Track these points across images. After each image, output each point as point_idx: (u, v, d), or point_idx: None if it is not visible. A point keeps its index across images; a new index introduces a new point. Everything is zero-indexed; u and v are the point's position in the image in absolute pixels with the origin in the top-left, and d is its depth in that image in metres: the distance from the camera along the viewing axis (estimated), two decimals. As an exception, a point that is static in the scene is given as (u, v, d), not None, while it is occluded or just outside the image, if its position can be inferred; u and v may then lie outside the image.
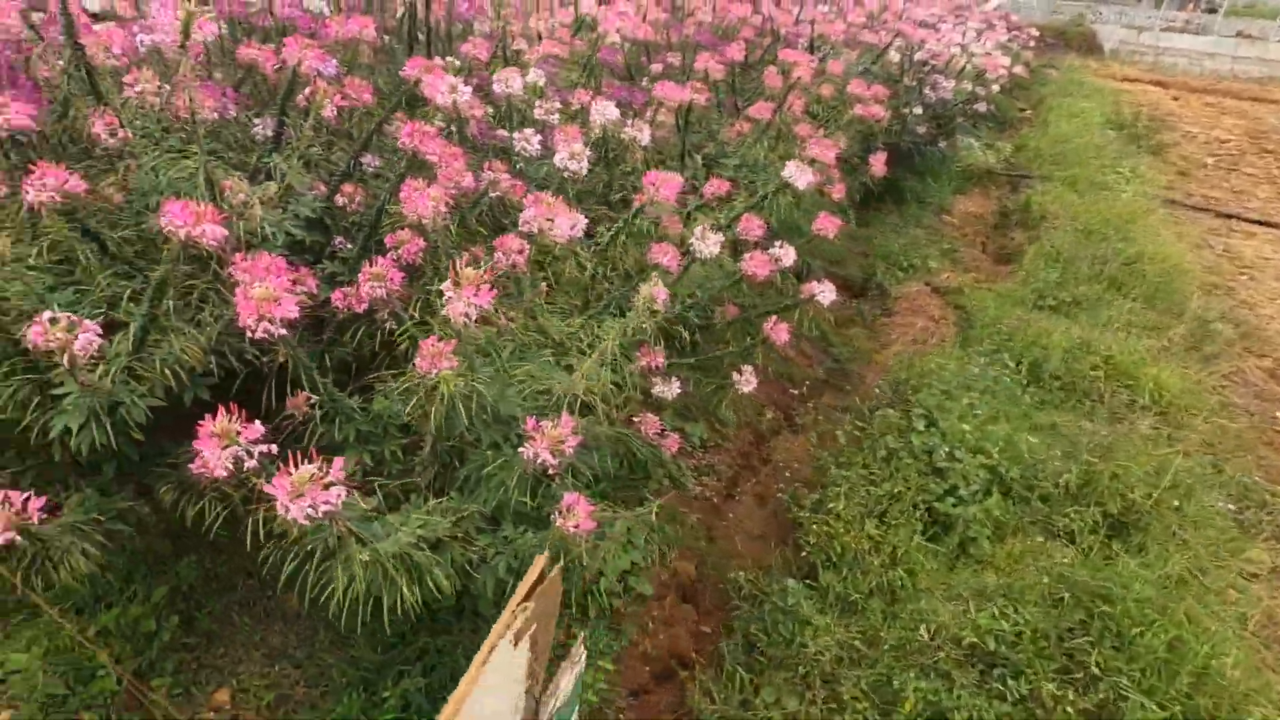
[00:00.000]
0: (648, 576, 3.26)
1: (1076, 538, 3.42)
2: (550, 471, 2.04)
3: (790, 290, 3.83)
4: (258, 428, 1.57)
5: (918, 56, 8.47)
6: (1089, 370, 4.86)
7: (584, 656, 1.96)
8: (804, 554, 3.53)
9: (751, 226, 3.47)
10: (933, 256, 7.52)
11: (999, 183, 10.19)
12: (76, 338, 1.68)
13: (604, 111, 3.49)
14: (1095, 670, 2.68)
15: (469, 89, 3.31)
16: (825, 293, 3.60)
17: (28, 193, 1.89)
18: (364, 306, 2.17)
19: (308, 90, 2.56)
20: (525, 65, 3.82)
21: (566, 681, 1.90)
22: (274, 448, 1.58)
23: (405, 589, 1.89)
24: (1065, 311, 6.03)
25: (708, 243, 3.16)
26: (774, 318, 3.38)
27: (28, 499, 1.68)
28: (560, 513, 1.95)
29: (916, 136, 8.13)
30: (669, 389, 3.19)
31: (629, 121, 3.65)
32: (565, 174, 2.92)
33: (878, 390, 4.85)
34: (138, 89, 2.34)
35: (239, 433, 1.55)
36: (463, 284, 1.93)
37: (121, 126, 2.26)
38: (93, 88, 2.37)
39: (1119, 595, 2.86)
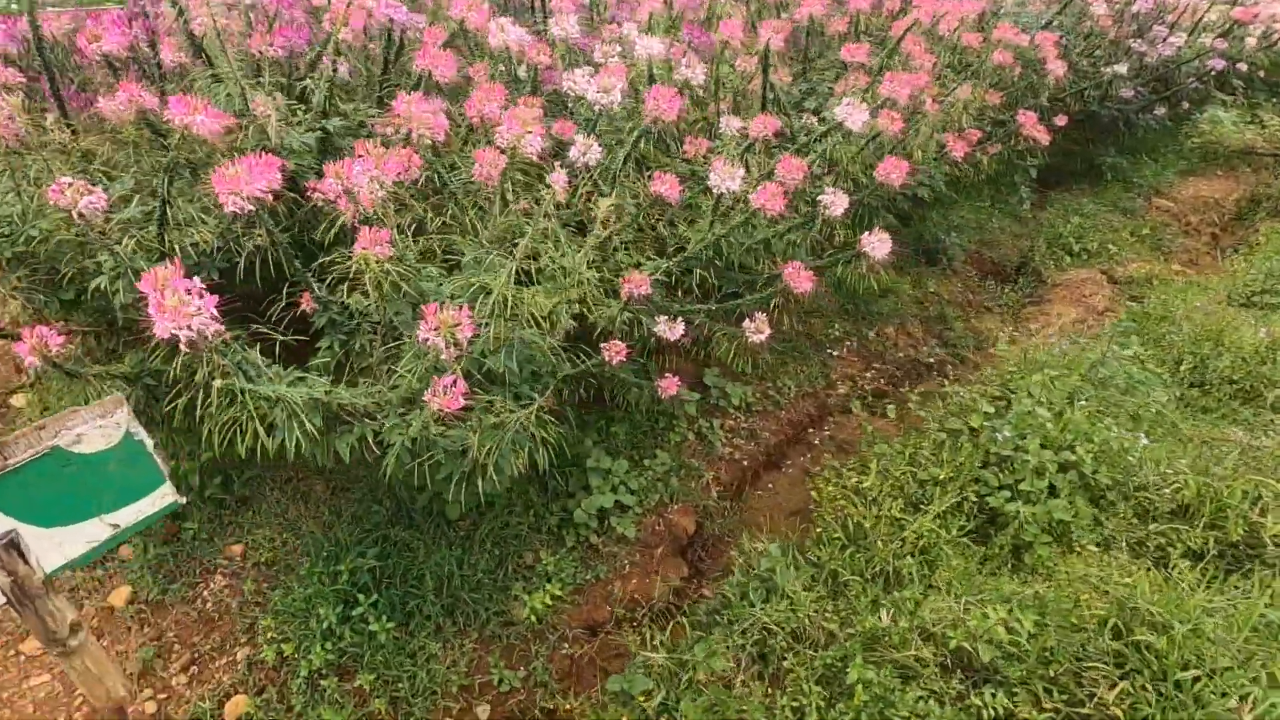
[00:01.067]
0: (633, 521, 3.17)
1: (1171, 561, 2.69)
2: (444, 359, 2.08)
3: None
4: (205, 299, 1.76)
5: (1139, 7, 7.09)
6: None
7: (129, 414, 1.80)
8: (819, 530, 3.19)
9: (790, 168, 3.19)
10: (1123, 243, 6.28)
11: (1260, 164, 8.20)
12: (80, 198, 2.07)
13: (648, 47, 3.45)
14: (1113, 708, 2.10)
15: (520, 30, 3.47)
16: (878, 245, 3.22)
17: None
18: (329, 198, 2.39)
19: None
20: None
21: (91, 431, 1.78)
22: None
23: (301, 438, 2.05)
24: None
25: (726, 178, 2.99)
26: (798, 264, 3.09)
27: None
28: (434, 391, 1.99)
29: (1122, 103, 6.80)
30: (672, 330, 3.06)
31: (684, 61, 3.56)
32: (597, 109, 2.95)
33: (981, 378, 4.19)
34: (198, 22, 2.78)
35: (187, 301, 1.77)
36: (370, 155, 2.07)
37: (182, 53, 2.71)
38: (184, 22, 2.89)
39: (1179, 630, 2.20)
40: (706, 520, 3.38)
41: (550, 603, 2.79)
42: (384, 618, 2.57)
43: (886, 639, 2.47)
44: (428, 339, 2.03)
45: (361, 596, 2.62)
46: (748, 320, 3.13)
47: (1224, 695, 2.07)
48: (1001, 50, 4.63)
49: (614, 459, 3.33)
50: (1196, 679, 2.09)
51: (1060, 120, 6.14)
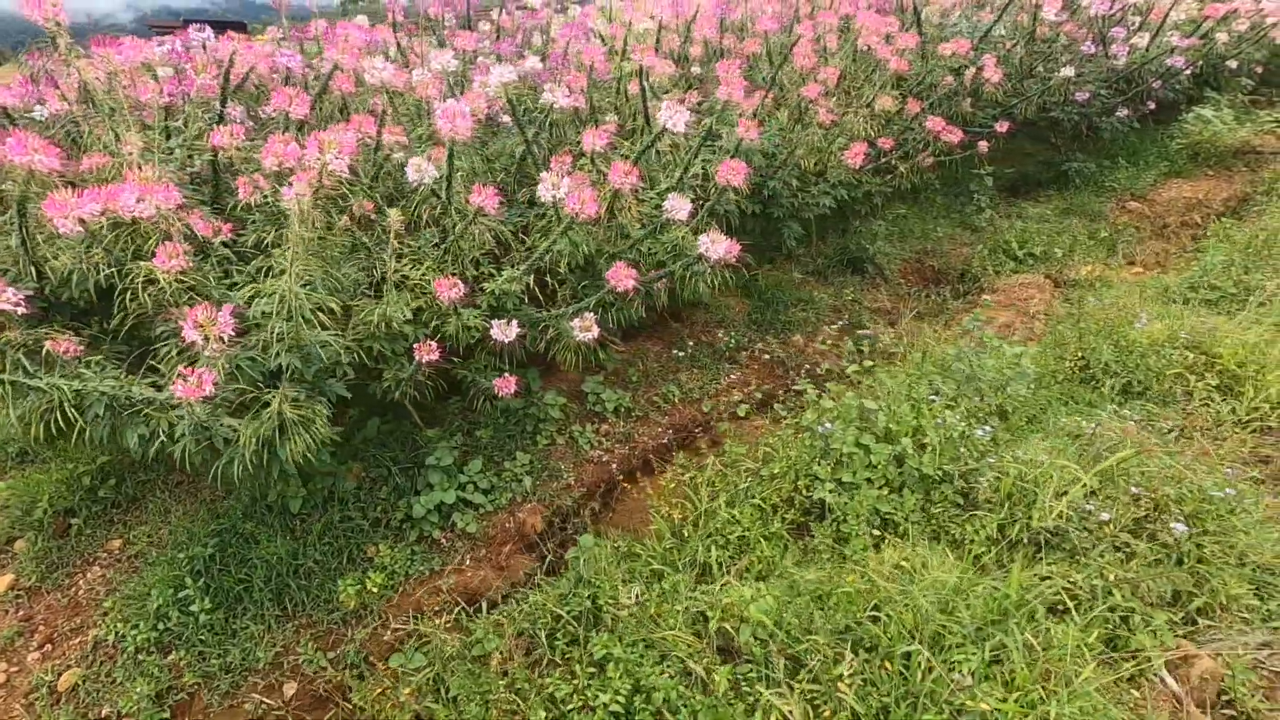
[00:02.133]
0: (477, 518, 3.30)
1: (969, 549, 2.64)
2: (207, 354, 2.32)
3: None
4: None
5: (1096, 10, 6.98)
6: (1175, 367, 3.60)
7: None
8: (652, 525, 3.24)
9: (619, 174, 3.35)
10: (1081, 248, 6.10)
11: (1258, 163, 7.80)
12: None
13: (501, 75, 3.71)
14: (843, 682, 2.09)
15: (391, 68, 3.80)
16: (714, 247, 3.33)
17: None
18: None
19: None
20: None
21: None
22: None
23: (101, 427, 2.31)
24: (1223, 306, 4.50)
25: (551, 189, 3.19)
26: (620, 264, 3.22)
27: None
28: (178, 382, 2.22)
29: (1080, 106, 6.65)
30: (506, 332, 3.22)
31: (547, 86, 3.81)
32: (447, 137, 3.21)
33: (869, 381, 4.16)
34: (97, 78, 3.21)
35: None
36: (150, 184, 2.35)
37: (64, 101, 3.13)
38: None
39: (912, 611, 2.18)
40: (560, 519, 3.48)
41: (376, 591, 2.95)
42: (206, 600, 2.78)
43: (660, 623, 2.51)
44: (191, 337, 2.28)
45: (190, 581, 2.85)
46: (577, 320, 3.28)
47: (950, 668, 2.04)
48: (898, 59, 4.68)
49: (469, 458, 3.49)
50: (909, 654, 2.07)
51: (1002, 126, 6.10)
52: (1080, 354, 3.86)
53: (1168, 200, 7.15)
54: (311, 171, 2.76)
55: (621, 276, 3.19)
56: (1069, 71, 6.32)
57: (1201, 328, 3.84)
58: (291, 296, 2.52)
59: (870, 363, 4.35)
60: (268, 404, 2.53)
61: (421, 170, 3.23)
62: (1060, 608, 2.34)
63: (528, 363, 3.98)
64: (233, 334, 2.31)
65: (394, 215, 2.79)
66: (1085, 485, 2.60)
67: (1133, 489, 2.53)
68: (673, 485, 3.43)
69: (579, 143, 3.88)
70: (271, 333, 2.51)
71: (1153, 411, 3.45)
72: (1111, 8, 7.26)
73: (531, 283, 3.61)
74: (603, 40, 5.81)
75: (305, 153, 2.78)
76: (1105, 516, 2.46)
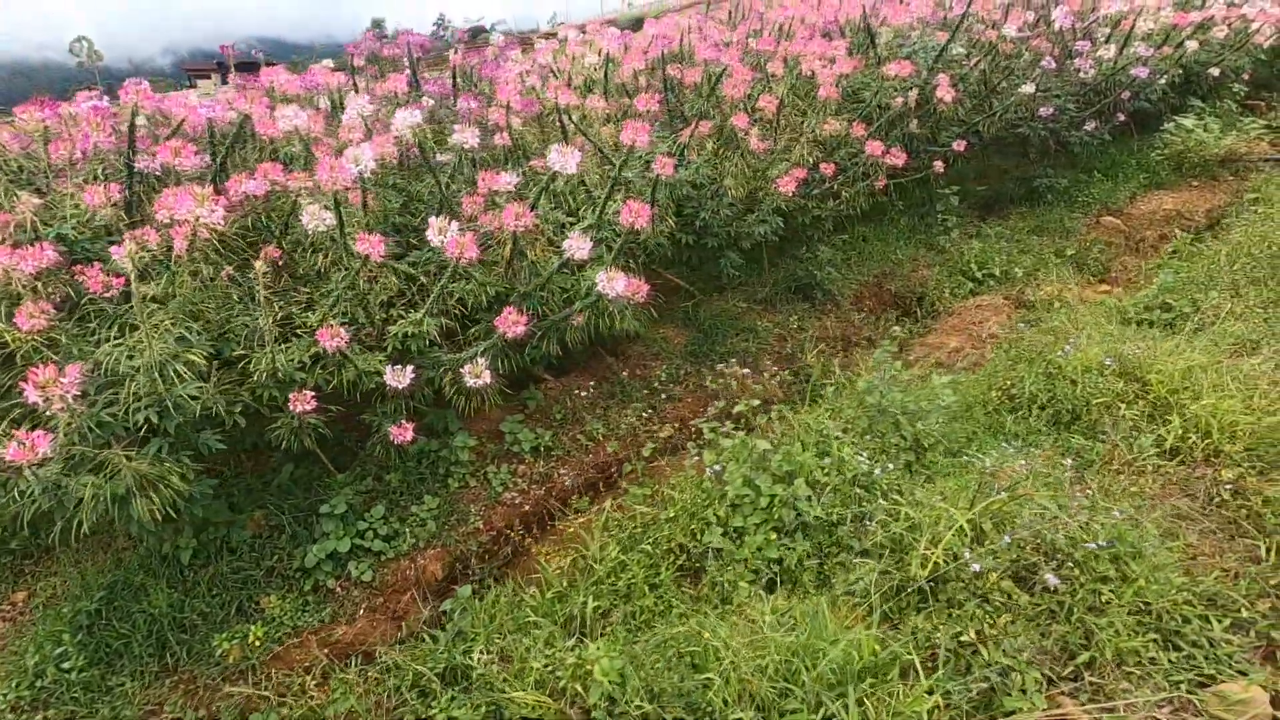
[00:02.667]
0: (373, 566, 3.25)
1: (836, 598, 2.51)
2: (51, 413, 2.32)
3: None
4: None
5: (1060, 25, 6.86)
6: (1104, 395, 3.43)
7: None
8: (538, 575, 3.16)
9: (510, 216, 3.34)
10: (1048, 266, 5.92)
11: (1245, 172, 7.55)
12: None
13: (406, 119, 3.73)
14: None
15: (304, 115, 3.86)
16: (611, 285, 3.28)
17: None
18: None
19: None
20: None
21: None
22: None
23: None
24: (1178, 326, 4.31)
25: (437, 232, 3.17)
26: (510, 310, 3.18)
27: None
28: (10, 445, 2.22)
29: (1046, 121, 6.50)
30: (400, 378, 3.20)
31: (456, 127, 3.83)
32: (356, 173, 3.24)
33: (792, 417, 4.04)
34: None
35: None
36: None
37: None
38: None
39: (735, 673, 2.06)
40: (463, 565, 3.42)
41: (258, 645, 2.91)
42: (80, 658, 2.77)
43: (515, 682, 2.43)
44: (33, 399, 2.29)
45: (68, 637, 2.84)
46: (467, 366, 3.24)
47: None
48: (829, 87, 4.62)
49: (374, 503, 3.46)
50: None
51: (960, 145, 5.98)
52: (1009, 382, 3.71)
53: (1146, 214, 6.93)
54: (185, 225, 2.79)
55: (509, 323, 3.15)
56: (1029, 88, 6.19)
57: (1137, 352, 3.67)
58: (151, 351, 2.53)
59: (753, 410, 4.25)
60: (129, 459, 2.53)
61: (318, 218, 3.25)
62: (927, 665, 2.20)
63: (448, 404, 3.96)
64: (78, 393, 2.32)
65: (259, 266, 2.79)
66: (964, 531, 2.47)
67: (1006, 538, 2.39)
68: (571, 531, 3.35)
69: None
70: (127, 389, 2.52)
71: (1078, 444, 3.29)
72: (1076, 23, 7.14)
73: (444, 324, 3.61)
74: (555, 75, 5.86)
75: (178, 207, 2.81)
76: (976, 568, 2.32)
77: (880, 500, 2.83)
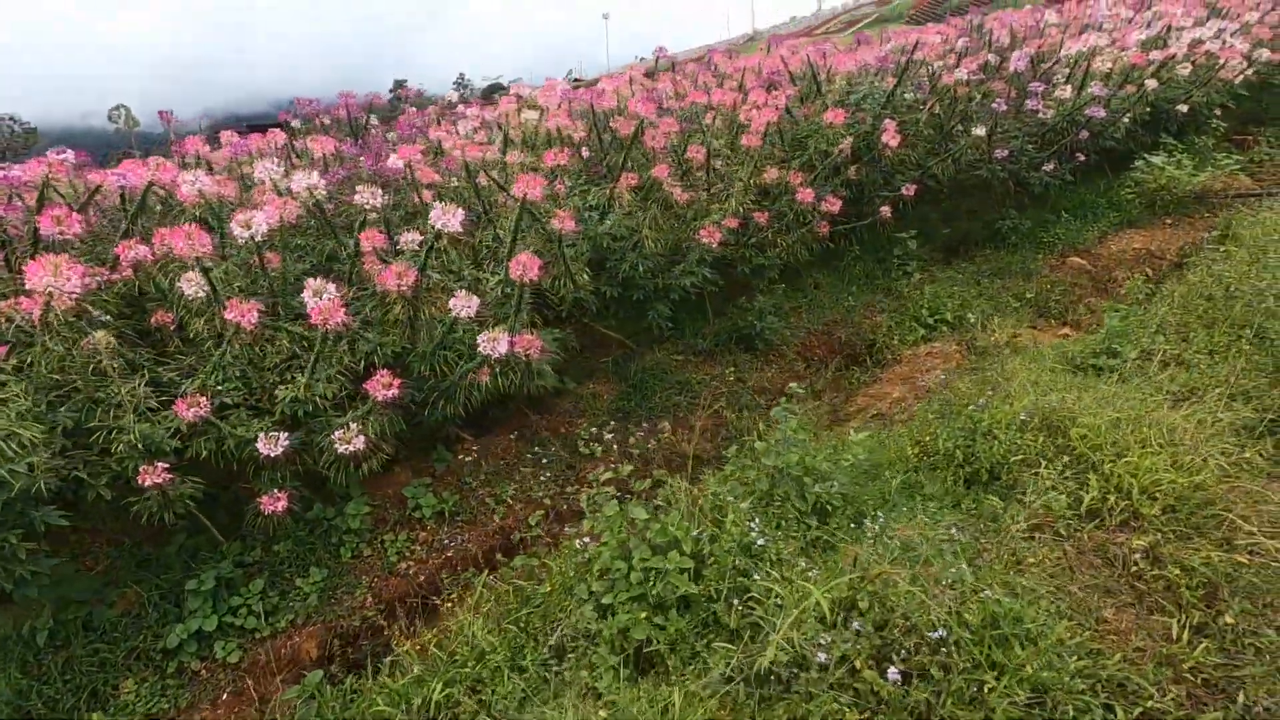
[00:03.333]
0: (244, 644, 3.08)
1: (704, 691, 2.29)
2: None
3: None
4: None
5: (1015, 67, 6.81)
6: (1025, 452, 3.20)
7: None
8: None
9: (389, 277, 3.26)
10: (1007, 309, 5.72)
11: (1222, 208, 7.34)
12: None
13: (303, 181, 3.70)
14: None
15: (208, 179, 3.87)
16: (494, 345, 3.19)
17: None
18: None
19: None
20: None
21: None
22: None
23: None
24: (1116, 371, 4.08)
25: (312, 294, 3.10)
26: (382, 373, 3.08)
27: None
28: None
29: (1004, 163, 6.38)
30: (272, 446, 3.09)
31: (360, 189, 3.80)
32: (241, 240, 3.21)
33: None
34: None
35: None
36: None
37: None
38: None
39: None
40: (342, 641, 3.23)
41: (109, 730, 2.74)
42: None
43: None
44: None
45: (-101, 730, 2.69)
46: (338, 431, 3.12)
47: None
48: (749, 136, 4.56)
49: (254, 576, 3.31)
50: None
51: (909, 190, 5.88)
52: (928, 437, 3.50)
53: (1115, 253, 6.72)
54: (39, 296, 2.74)
55: (380, 386, 3.04)
56: (980, 130, 6.10)
57: (1066, 404, 3.45)
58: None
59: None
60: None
61: (195, 284, 3.20)
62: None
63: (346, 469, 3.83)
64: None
65: (100, 336, 2.72)
66: (827, 611, 2.25)
67: (856, 624, 2.16)
68: (447, 607, 3.17)
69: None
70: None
71: (993, 505, 3.05)
72: (1030, 66, 7.09)
73: (347, 387, 3.51)
74: (496, 130, 5.89)
75: (32, 276, 2.76)
76: (822, 658, 2.10)
77: (755, 577, 2.62)
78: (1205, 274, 4.99)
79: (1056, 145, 6.56)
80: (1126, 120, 6.92)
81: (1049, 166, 6.48)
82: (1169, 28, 7.85)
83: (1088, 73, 6.68)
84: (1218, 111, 8.14)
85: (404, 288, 3.23)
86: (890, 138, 5.56)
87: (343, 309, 2.96)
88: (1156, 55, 7.34)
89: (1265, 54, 7.91)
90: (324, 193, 3.85)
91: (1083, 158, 6.61)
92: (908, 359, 5.18)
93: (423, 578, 3.51)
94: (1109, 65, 6.88)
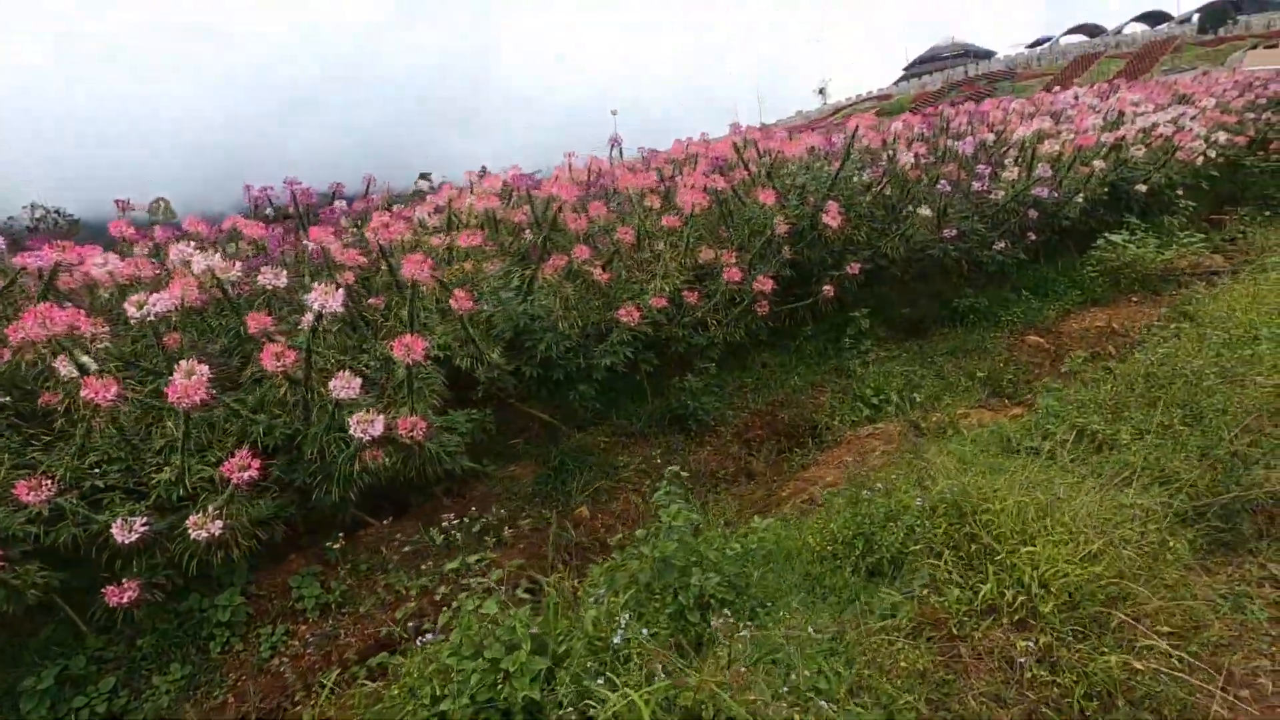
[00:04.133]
0: (76, 751, 2.84)
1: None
2: None
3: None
4: None
5: (963, 150, 6.92)
6: (928, 541, 2.98)
7: None
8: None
9: (269, 356, 3.20)
10: (954, 390, 5.55)
11: (1187, 285, 7.23)
12: None
13: (203, 263, 3.73)
14: None
15: (119, 260, 3.90)
16: (368, 428, 3.09)
17: None
18: None
19: None
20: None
21: None
22: None
23: None
24: (1051, 453, 3.87)
25: (180, 375, 3.05)
26: (242, 452, 2.97)
27: None
28: None
29: (955, 242, 6.36)
30: (126, 533, 2.96)
31: (264, 268, 3.82)
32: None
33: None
34: None
35: None
36: None
37: None
38: None
39: None
40: (188, 751, 2.98)
41: None
42: None
43: None
44: None
45: None
46: (193, 516, 2.98)
47: None
48: (669, 217, 4.59)
49: (105, 674, 3.10)
50: None
51: (853, 268, 5.86)
52: (834, 525, 3.28)
53: (1077, 331, 6.58)
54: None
55: (236, 468, 2.93)
56: (925, 211, 6.12)
57: (979, 488, 3.24)
58: None
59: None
60: None
61: (67, 365, 3.18)
62: None
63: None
64: None
65: None
66: (650, 724, 2.01)
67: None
68: (310, 709, 2.92)
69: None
70: None
71: (889, 599, 2.81)
72: (985, 150, 7.21)
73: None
74: (429, 217, 6.01)
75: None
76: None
77: (599, 681, 2.38)
78: (1152, 352, 4.83)
79: (1005, 225, 6.55)
80: (1080, 200, 6.93)
81: (1000, 245, 6.46)
82: (1120, 113, 8.00)
83: (1034, 156, 6.76)
84: (1179, 192, 8.16)
85: (282, 368, 3.17)
86: (832, 219, 5.59)
87: (203, 389, 2.89)
88: (1108, 138, 7.45)
89: (1222, 136, 7.99)
90: (236, 274, 3.89)
91: (1034, 237, 6.59)
92: (849, 440, 4.98)
93: (293, 676, 3.27)
94: (1057, 148, 6.96)
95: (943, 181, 6.24)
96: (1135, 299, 7.16)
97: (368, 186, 7.34)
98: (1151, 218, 8.21)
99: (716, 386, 5.55)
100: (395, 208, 6.58)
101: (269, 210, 6.21)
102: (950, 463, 3.70)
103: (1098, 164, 6.75)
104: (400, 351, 3.21)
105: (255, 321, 3.34)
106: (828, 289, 5.64)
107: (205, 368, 3.07)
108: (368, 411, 3.13)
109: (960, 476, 3.47)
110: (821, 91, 65.42)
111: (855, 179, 6.51)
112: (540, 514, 4.27)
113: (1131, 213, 7.83)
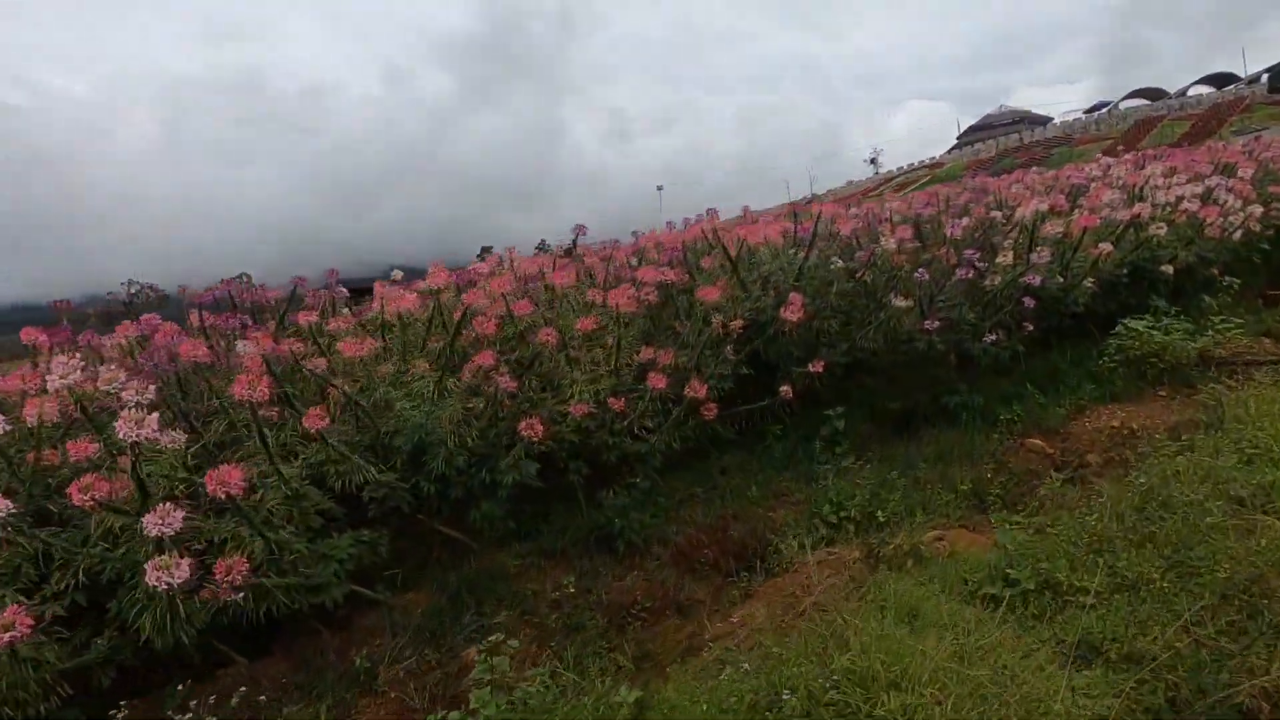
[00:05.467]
0: None
1: None
2: None
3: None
4: None
5: (951, 233, 6.41)
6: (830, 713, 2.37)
7: None
8: None
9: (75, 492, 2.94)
10: (933, 504, 4.86)
11: (1229, 377, 6.36)
12: None
13: (64, 377, 3.56)
14: None
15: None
16: (161, 575, 2.77)
17: None
18: None
19: None
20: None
21: None
22: None
23: None
24: (1013, 605, 3.19)
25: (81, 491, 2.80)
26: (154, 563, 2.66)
27: None
28: None
29: (941, 333, 5.76)
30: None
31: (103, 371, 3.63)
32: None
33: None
34: None
35: None
36: None
37: None
38: None
39: None
40: None
41: None
42: None
43: None
44: None
45: None
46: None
47: None
48: (584, 320, 4.25)
49: None
50: None
51: (817, 366, 5.36)
52: (715, 702, 2.70)
53: (1089, 433, 5.78)
54: None
55: (158, 578, 2.62)
56: (901, 301, 5.59)
57: (899, 657, 2.63)
58: None
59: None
60: None
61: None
62: None
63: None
64: None
65: None
66: None
67: None
68: None
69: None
70: None
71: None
72: (981, 231, 6.67)
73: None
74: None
75: None
76: None
77: None
78: (1151, 472, 4.08)
79: (998, 315, 5.92)
80: (1089, 284, 6.24)
81: (992, 338, 5.81)
82: (1136, 187, 7.34)
83: (1032, 238, 6.16)
84: (1215, 270, 7.34)
85: (89, 502, 2.89)
86: (791, 313, 5.13)
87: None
88: (1123, 215, 6.79)
89: (1258, 210, 7.21)
90: (116, 386, 3.70)
91: (1031, 327, 5.91)
92: (798, 567, 4.35)
93: None
94: (1060, 229, 6.35)
95: (921, 269, 5.71)
96: (1163, 393, 6.30)
97: (317, 286, 7.24)
98: (1186, 298, 7.39)
99: (660, 498, 5.04)
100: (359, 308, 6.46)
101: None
102: (872, 621, 3.07)
103: (1104, 246, 6.09)
104: (212, 486, 2.89)
105: (76, 450, 3.10)
106: (785, 390, 5.12)
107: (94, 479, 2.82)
108: (169, 555, 2.79)
109: (879, 638, 2.86)
110: (873, 161, 65.63)
111: (834, 265, 6.06)
112: (422, 655, 3.79)
113: (1158, 294, 7.05)
